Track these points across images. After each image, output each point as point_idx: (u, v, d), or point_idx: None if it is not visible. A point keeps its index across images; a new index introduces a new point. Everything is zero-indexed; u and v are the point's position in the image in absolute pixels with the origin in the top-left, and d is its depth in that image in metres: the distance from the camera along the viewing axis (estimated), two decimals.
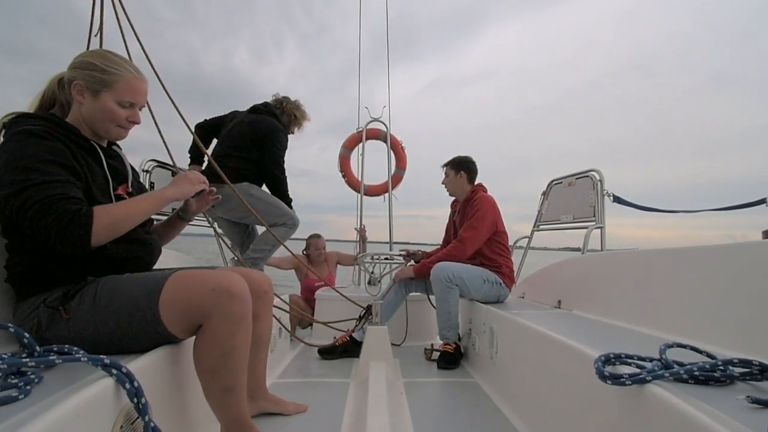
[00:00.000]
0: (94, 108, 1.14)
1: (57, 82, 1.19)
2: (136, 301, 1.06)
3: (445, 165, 2.85)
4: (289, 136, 2.91)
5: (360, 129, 4.18)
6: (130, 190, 1.27)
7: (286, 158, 2.87)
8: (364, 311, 2.73)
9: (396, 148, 4.21)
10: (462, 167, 2.78)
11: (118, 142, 1.31)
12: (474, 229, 2.57)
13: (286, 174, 2.77)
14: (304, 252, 3.75)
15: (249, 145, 2.65)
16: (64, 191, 0.99)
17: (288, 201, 2.80)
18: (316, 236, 3.79)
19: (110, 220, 1.02)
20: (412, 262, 3.05)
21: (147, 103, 1.38)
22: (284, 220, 2.69)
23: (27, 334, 0.92)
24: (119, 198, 1.19)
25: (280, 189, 2.73)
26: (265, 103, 2.87)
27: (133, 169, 1.36)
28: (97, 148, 1.17)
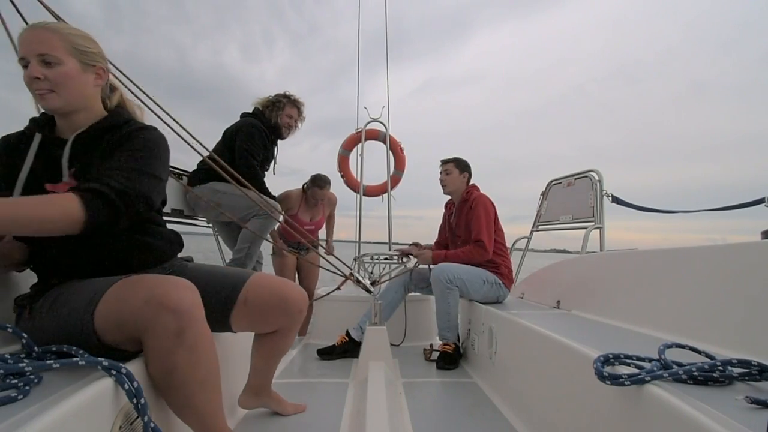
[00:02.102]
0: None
1: None
2: (77, 308, 0.97)
3: (448, 162, 2.83)
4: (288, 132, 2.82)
5: (359, 130, 4.18)
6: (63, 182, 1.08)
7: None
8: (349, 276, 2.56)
9: (395, 149, 4.21)
10: (466, 169, 2.83)
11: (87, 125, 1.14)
12: (487, 232, 2.59)
13: (259, 169, 2.61)
14: (305, 186, 3.41)
15: (221, 149, 2.58)
16: None
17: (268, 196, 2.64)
18: (319, 185, 3.31)
19: None
20: (413, 260, 3.05)
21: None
22: (256, 210, 2.52)
23: (25, 335, 0.92)
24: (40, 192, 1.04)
25: (254, 186, 2.50)
26: (254, 109, 2.79)
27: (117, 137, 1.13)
28: (35, 136, 1.09)
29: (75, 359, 0.86)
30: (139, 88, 1.47)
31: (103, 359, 0.85)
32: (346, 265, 2.48)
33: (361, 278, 2.45)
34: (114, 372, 0.84)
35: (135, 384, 0.84)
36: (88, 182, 0.98)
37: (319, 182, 3.31)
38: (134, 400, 0.83)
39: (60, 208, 0.91)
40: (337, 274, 2.43)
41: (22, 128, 1.13)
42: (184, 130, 1.77)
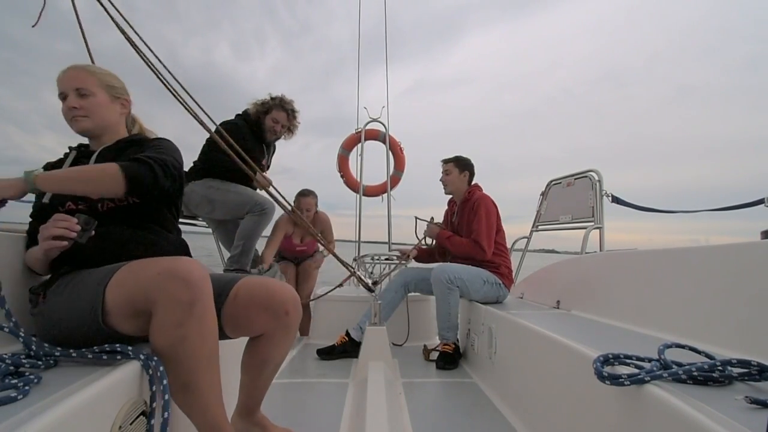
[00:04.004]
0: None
1: None
2: (90, 285, 1.01)
3: (449, 161, 2.83)
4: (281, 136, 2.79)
5: (359, 129, 4.18)
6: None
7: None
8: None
9: (394, 149, 4.21)
10: (467, 167, 2.83)
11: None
12: (487, 233, 2.60)
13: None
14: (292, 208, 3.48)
15: (207, 149, 2.59)
16: None
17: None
18: (305, 193, 3.32)
19: None
20: (413, 261, 3.05)
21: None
22: (248, 208, 2.50)
23: (23, 334, 0.93)
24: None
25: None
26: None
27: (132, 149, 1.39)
28: (71, 153, 1.31)
29: (114, 350, 0.95)
30: (164, 66, 1.59)
31: (143, 351, 0.95)
32: (348, 266, 2.47)
33: (362, 277, 2.43)
34: (152, 363, 0.94)
35: (165, 382, 0.92)
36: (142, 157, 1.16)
37: (302, 191, 3.32)
38: (166, 396, 0.92)
39: (100, 170, 1.09)
40: (344, 263, 2.42)
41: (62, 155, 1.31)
42: (206, 114, 1.80)
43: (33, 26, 1.56)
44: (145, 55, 1.50)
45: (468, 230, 2.69)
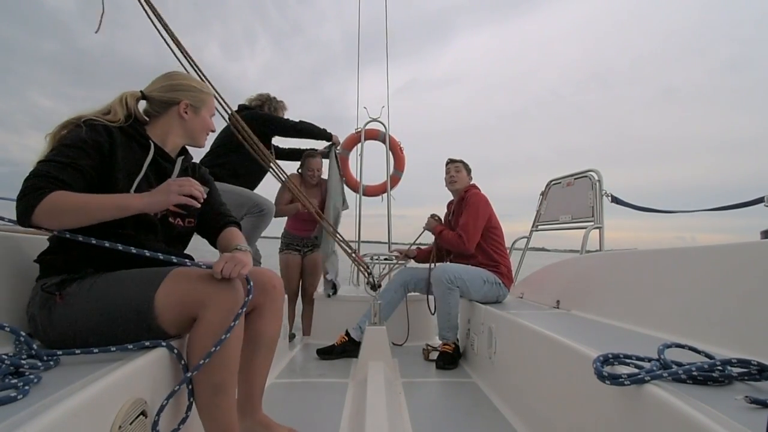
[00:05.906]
0: (196, 122, 1.36)
1: (136, 99, 1.31)
2: (133, 290, 1.08)
3: (458, 161, 2.94)
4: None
5: (358, 129, 4.17)
6: None
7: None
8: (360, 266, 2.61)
9: (394, 149, 4.20)
10: (470, 172, 2.95)
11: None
12: (472, 227, 2.65)
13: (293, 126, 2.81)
14: (299, 171, 3.36)
15: (215, 146, 2.64)
16: (52, 170, 1.04)
17: (322, 133, 2.95)
18: (313, 154, 3.29)
19: (53, 206, 1.01)
20: (412, 261, 3.06)
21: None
22: (247, 209, 2.52)
23: (23, 333, 0.93)
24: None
25: (310, 134, 2.88)
26: (239, 105, 2.84)
27: (198, 175, 1.44)
28: (152, 145, 1.27)
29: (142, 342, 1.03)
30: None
31: (162, 341, 1.05)
32: (359, 259, 2.51)
33: (369, 271, 2.47)
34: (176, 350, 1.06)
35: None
36: (233, 217, 1.47)
37: (310, 152, 3.30)
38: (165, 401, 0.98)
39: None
40: (353, 257, 2.50)
41: (99, 120, 1.19)
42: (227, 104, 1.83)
43: (96, 32, 1.59)
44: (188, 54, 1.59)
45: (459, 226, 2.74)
